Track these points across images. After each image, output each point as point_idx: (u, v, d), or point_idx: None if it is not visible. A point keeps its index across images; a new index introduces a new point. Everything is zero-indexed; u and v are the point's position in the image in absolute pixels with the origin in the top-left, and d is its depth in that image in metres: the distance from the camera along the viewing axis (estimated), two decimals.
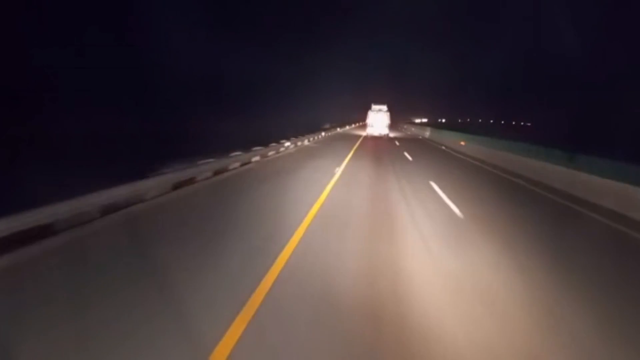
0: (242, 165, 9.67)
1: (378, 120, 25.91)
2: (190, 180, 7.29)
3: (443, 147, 19.65)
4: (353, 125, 47.11)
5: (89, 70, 34.68)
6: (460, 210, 5.93)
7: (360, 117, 57.27)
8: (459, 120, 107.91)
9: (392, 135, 27.84)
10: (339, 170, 9.47)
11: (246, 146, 10.55)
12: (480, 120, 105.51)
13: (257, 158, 10.71)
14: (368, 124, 26.38)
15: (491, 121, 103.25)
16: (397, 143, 20.81)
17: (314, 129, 23.75)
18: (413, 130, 42.71)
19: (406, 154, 14.39)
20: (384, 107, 26.10)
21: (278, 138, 13.95)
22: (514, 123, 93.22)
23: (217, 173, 8.26)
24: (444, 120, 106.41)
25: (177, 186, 6.71)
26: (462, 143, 17.77)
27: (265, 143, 12.07)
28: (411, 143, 22.05)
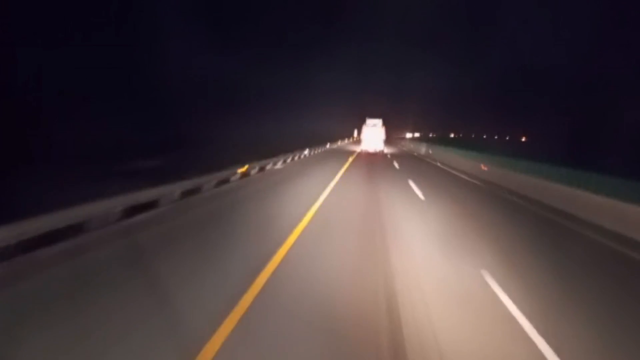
0: None
1: (373, 136, 25.91)
2: None
3: (464, 177, 14.58)
4: (339, 143, 44.36)
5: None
6: None
7: (349, 132, 55.17)
8: (452, 135, 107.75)
9: (387, 150, 27.74)
10: None
11: None
12: (473, 136, 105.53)
13: None
14: (362, 139, 26.69)
15: (484, 136, 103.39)
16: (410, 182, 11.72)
17: None
18: (412, 147, 40.50)
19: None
20: (379, 122, 26.07)
21: None
22: (507, 138, 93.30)
23: None
24: (434, 135, 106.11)
25: None
26: (484, 168, 14.76)
27: None
28: (425, 175, 14.88)
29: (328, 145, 30.22)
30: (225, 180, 9.56)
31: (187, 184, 7.63)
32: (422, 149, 31.01)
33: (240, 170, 10.43)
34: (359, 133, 48.33)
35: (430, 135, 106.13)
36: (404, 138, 70.42)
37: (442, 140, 48.14)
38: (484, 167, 14.69)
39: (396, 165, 18.03)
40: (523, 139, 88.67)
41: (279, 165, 14.61)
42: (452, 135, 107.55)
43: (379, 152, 25.69)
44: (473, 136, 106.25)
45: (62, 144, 16.74)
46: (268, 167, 13.27)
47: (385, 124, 26.54)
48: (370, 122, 26.06)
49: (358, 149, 28.63)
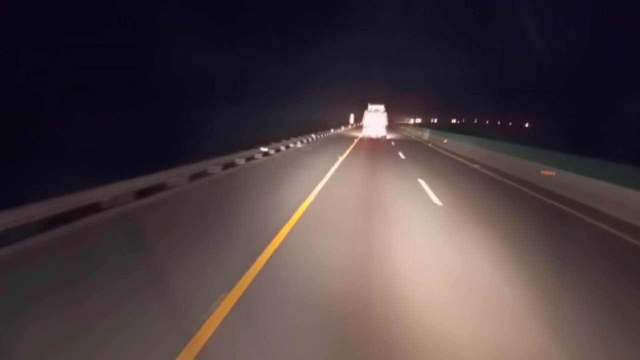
0: None
1: (375, 121, 26.64)
2: None
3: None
4: (322, 135, 46.29)
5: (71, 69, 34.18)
6: None
7: (345, 120, 56.55)
8: (453, 121, 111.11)
9: (389, 137, 28.67)
10: None
11: None
12: (475, 121, 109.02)
13: None
14: (364, 125, 27.32)
15: (487, 122, 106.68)
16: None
17: None
18: (412, 132, 43.71)
19: None
20: (381, 107, 26.64)
21: None
22: (510, 124, 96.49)
23: None
24: (435, 121, 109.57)
25: None
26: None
27: None
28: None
29: (332, 131, 30.93)
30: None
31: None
32: (420, 133, 34.49)
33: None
34: (356, 120, 47.51)
35: (432, 120, 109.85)
36: (407, 124, 74.64)
37: (441, 126, 52.32)
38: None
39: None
40: (526, 125, 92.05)
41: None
42: (453, 121, 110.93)
43: (381, 137, 26.01)
44: (475, 121, 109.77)
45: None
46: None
47: (386, 109, 26.40)
48: (372, 107, 26.42)
49: (359, 134, 29.32)
